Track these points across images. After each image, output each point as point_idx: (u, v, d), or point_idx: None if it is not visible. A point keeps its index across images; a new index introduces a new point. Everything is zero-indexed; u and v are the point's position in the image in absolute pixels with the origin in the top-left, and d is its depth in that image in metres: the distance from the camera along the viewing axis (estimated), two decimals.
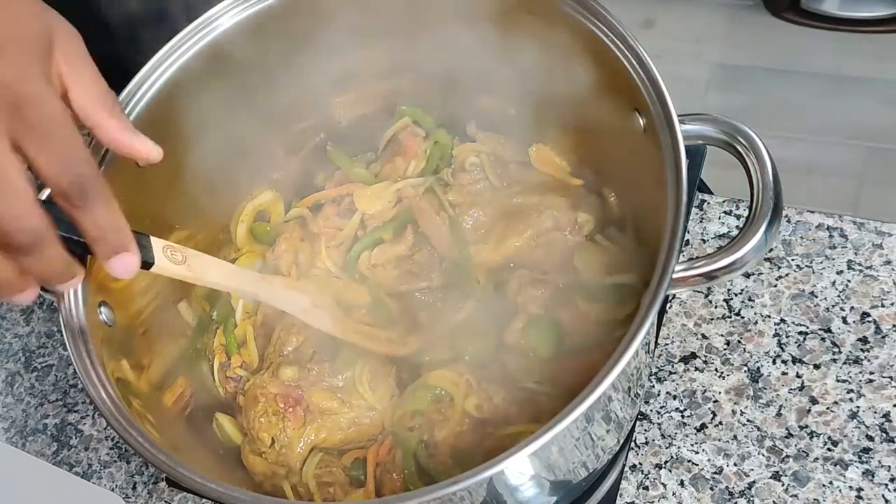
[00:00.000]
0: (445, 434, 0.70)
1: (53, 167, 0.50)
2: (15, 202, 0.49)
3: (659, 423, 0.75)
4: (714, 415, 0.74)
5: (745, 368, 0.75)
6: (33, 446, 0.87)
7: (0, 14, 0.52)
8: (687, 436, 0.74)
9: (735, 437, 0.73)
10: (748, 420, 0.73)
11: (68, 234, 0.54)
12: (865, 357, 0.74)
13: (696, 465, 0.73)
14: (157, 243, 0.62)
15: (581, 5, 0.65)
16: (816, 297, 0.77)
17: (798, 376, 0.74)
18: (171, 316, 0.77)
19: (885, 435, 0.71)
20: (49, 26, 0.55)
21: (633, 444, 0.74)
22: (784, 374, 0.75)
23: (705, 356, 0.77)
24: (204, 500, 0.79)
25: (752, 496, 0.71)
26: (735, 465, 0.72)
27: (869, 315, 0.75)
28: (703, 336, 0.78)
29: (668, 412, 0.75)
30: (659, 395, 0.76)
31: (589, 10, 0.64)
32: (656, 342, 0.78)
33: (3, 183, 0.48)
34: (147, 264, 0.61)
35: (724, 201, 0.83)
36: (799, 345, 0.75)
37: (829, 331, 0.75)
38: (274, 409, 0.73)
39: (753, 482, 0.71)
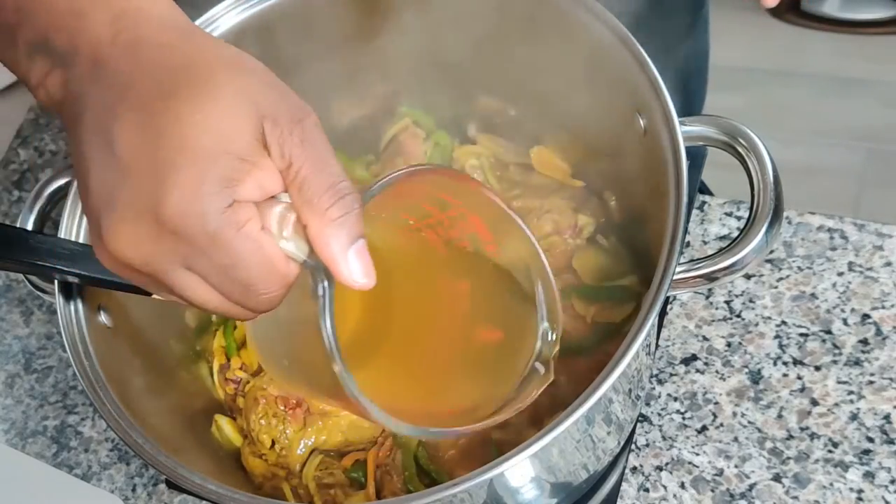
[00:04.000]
0: None
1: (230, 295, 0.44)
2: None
3: (660, 425, 0.75)
4: (715, 416, 0.74)
5: (746, 370, 0.75)
6: (33, 448, 0.87)
7: (190, 119, 0.40)
8: (688, 437, 0.74)
9: (736, 439, 0.73)
10: (749, 422, 0.73)
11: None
12: (866, 359, 0.74)
13: (697, 466, 0.73)
14: None
15: (581, 5, 0.65)
16: (817, 298, 0.77)
17: (799, 378, 0.74)
18: (171, 317, 0.77)
19: (885, 437, 0.71)
20: (258, 113, 0.41)
21: (633, 446, 0.74)
22: (785, 375, 0.75)
23: (706, 358, 0.77)
24: (203, 502, 0.79)
25: (753, 498, 0.71)
26: (736, 466, 0.72)
27: (869, 317, 0.75)
28: (704, 338, 0.77)
29: (668, 414, 0.75)
30: (660, 396, 0.76)
31: (589, 10, 0.64)
32: (657, 344, 0.78)
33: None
34: (148, 292, 0.61)
35: (724, 203, 0.83)
36: (800, 346, 0.75)
37: (829, 332, 0.75)
38: (274, 411, 0.73)
39: (754, 484, 0.71)
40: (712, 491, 0.71)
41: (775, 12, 2.01)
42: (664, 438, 0.74)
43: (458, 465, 0.69)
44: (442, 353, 0.55)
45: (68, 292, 0.64)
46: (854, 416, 0.72)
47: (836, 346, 0.75)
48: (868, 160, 1.82)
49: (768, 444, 0.72)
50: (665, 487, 0.73)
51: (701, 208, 0.83)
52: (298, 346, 0.50)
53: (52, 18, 0.44)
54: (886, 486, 0.69)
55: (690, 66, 1.00)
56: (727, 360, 0.76)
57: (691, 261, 0.58)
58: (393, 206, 0.50)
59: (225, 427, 0.76)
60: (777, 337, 0.76)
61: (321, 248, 0.42)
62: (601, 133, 0.73)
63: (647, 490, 0.73)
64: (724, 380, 0.75)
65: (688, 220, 0.77)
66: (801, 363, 0.75)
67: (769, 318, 0.77)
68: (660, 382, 0.76)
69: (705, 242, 0.81)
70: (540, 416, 0.70)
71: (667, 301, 0.79)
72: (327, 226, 0.42)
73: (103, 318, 0.65)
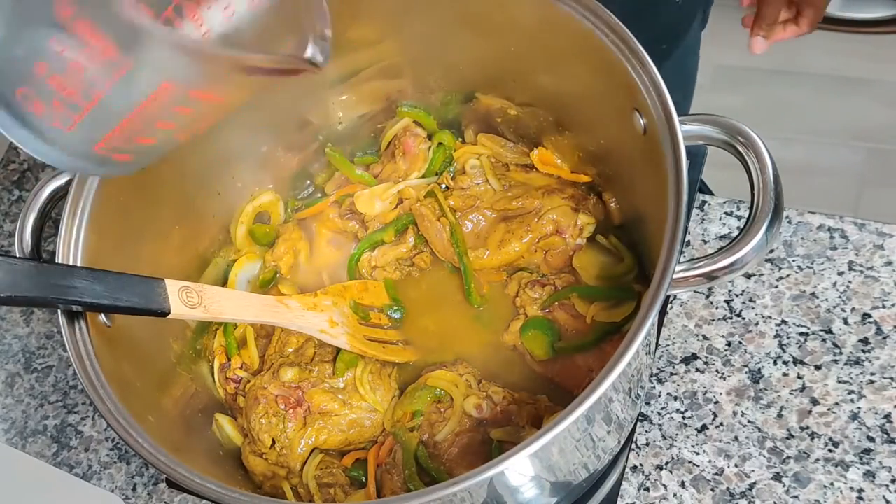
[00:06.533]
0: (446, 434, 0.70)
1: None
2: None
3: (660, 425, 0.75)
4: (715, 416, 0.74)
5: (746, 369, 0.75)
6: (33, 447, 0.87)
7: None
8: (688, 437, 0.74)
9: (736, 438, 0.73)
10: (749, 421, 0.73)
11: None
12: (866, 358, 0.74)
13: (697, 466, 0.73)
14: (172, 287, 0.61)
15: (581, 5, 0.65)
16: (817, 298, 0.77)
17: (799, 377, 0.74)
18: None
19: (885, 436, 0.71)
20: None
21: (633, 446, 0.74)
22: (785, 375, 0.75)
23: (706, 357, 0.77)
24: (204, 501, 0.79)
25: (753, 497, 0.71)
26: (736, 466, 0.72)
27: (870, 316, 0.75)
28: (704, 337, 0.77)
29: (668, 413, 0.75)
30: (660, 396, 0.76)
31: (589, 10, 0.64)
32: (657, 343, 0.78)
33: None
34: (163, 313, 0.60)
35: (724, 202, 0.83)
36: (800, 346, 0.75)
37: (829, 332, 0.75)
38: (275, 411, 0.73)
39: (754, 483, 0.71)
40: (712, 490, 0.71)
41: None
42: (664, 438, 0.74)
43: (458, 463, 0.69)
44: None
45: None
46: (854, 416, 0.72)
47: (836, 346, 0.75)
48: (868, 159, 1.82)
49: (768, 444, 0.72)
50: (665, 486, 0.73)
51: (701, 208, 0.83)
52: None
53: None
54: (887, 486, 0.69)
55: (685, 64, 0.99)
56: (727, 360, 0.76)
57: (691, 260, 0.58)
58: None
59: (225, 426, 0.76)
60: (777, 336, 0.76)
61: None
62: (601, 133, 0.73)
63: (647, 489, 0.73)
64: (725, 379, 0.75)
65: (688, 220, 0.77)
66: (802, 363, 0.75)
67: (769, 317, 0.77)
68: (660, 382, 0.76)
69: (705, 242, 0.81)
70: (540, 415, 0.70)
71: (667, 300, 0.79)
72: None
73: (103, 317, 0.65)
